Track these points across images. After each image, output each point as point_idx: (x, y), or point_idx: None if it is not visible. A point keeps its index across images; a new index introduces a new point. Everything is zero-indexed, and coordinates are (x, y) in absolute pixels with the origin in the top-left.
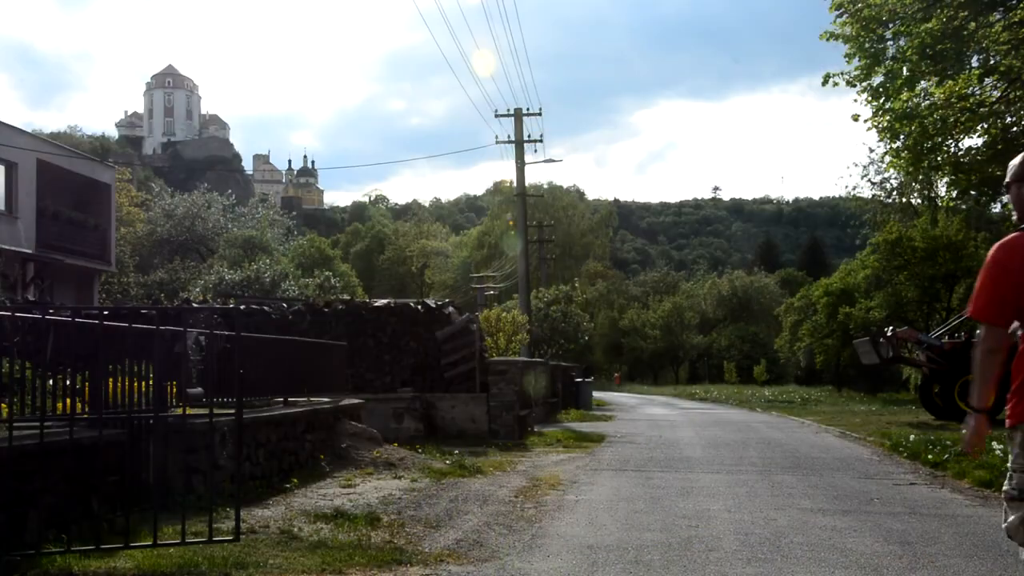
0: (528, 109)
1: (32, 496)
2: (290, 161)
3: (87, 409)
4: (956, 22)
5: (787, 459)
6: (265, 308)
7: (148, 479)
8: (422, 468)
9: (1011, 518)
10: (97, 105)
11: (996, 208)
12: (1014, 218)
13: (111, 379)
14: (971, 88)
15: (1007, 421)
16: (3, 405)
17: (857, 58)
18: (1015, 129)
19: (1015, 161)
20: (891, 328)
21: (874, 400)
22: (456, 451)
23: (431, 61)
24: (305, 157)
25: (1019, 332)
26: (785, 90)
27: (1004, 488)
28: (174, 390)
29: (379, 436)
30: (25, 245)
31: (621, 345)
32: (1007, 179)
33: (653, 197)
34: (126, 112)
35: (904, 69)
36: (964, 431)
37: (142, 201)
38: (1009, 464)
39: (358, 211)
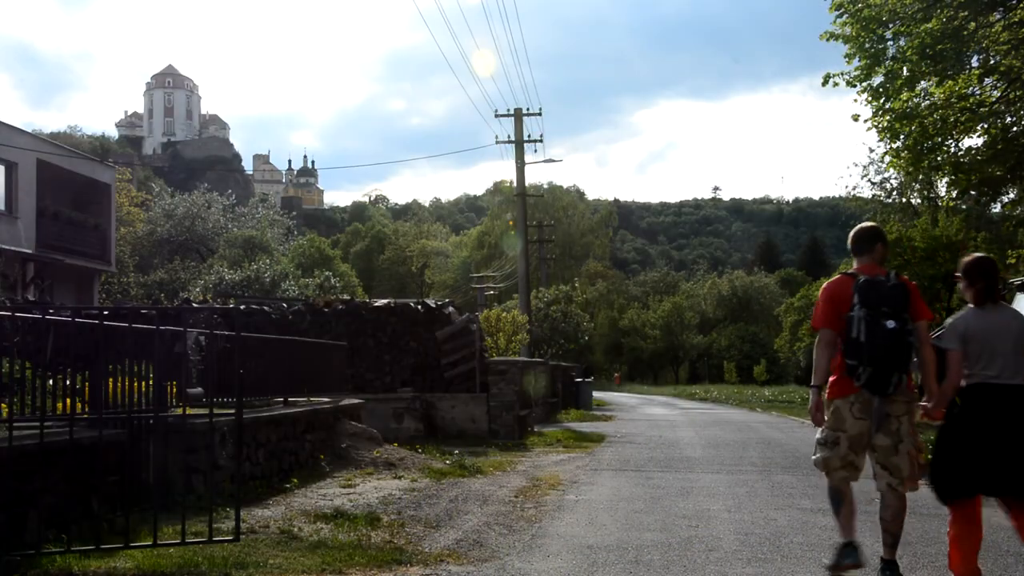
0: (528, 109)
1: (32, 496)
2: (290, 161)
3: (87, 409)
4: (956, 22)
5: (787, 459)
6: (265, 308)
7: (148, 479)
8: (422, 468)
9: (818, 455)
10: (97, 105)
11: (996, 208)
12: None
13: (111, 379)
14: (971, 88)
15: (826, 396)
16: (3, 405)
17: (857, 58)
18: (1015, 129)
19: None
20: None
21: None
22: (456, 451)
23: (431, 61)
24: (305, 157)
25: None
26: (786, 90)
27: (817, 436)
28: (174, 390)
29: (379, 436)
30: (25, 245)
31: (621, 345)
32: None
33: (653, 197)
34: (126, 112)
35: (904, 69)
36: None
37: (142, 201)
38: (825, 422)
39: (358, 211)
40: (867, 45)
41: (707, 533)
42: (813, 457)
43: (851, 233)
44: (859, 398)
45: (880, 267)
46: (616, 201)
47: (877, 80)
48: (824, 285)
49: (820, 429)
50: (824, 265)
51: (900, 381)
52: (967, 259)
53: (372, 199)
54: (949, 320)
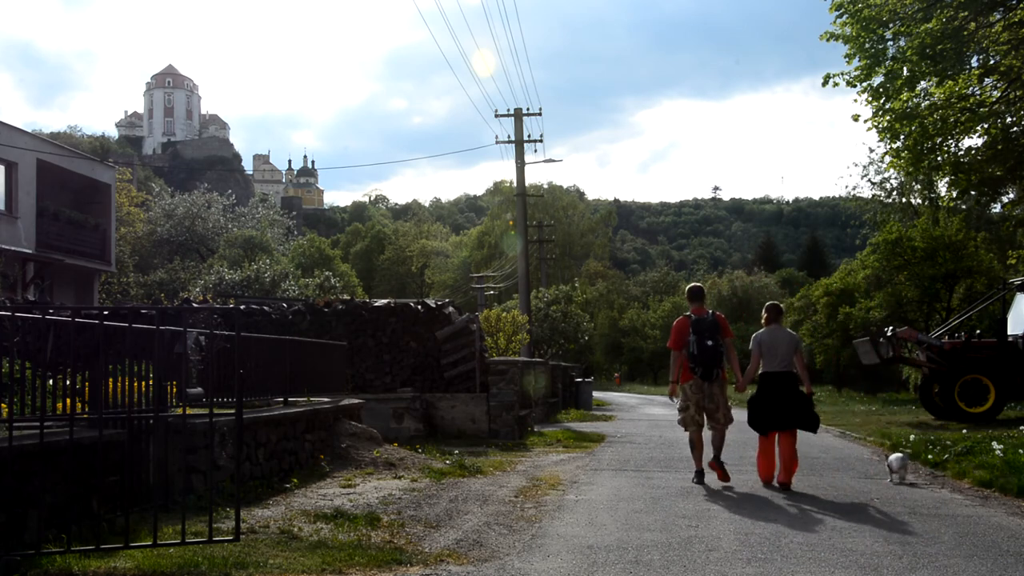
0: (528, 109)
1: (32, 496)
2: (290, 161)
3: (87, 409)
4: (956, 22)
5: None
6: (265, 308)
7: (148, 479)
8: (422, 468)
9: (680, 417)
10: (97, 105)
11: (996, 208)
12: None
13: (111, 379)
14: (971, 88)
15: (680, 382)
16: (3, 405)
17: (857, 58)
18: (1015, 129)
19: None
20: (891, 328)
21: (874, 400)
22: (456, 451)
23: (432, 61)
24: (305, 157)
25: (685, 352)
26: (788, 89)
27: (678, 407)
28: (174, 390)
29: (379, 436)
30: (25, 245)
31: (621, 345)
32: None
33: (653, 197)
34: (126, 112)
35: (904, 69)
36: (668, 390)
37: (142, 201)
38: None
39: (358, 211)
40: (867, 45)
41: (707, 533)
42: (676, 419)
43: (687, 289)
44: (696, 383)
45: (704, 309)
46: (616, 201)
47: (877, 80)
48: (675, 322)
49: (679, 403)
50: (824, 265)
51: (717, 374)
52: (767, 304)
53: (372, 199)
54: (754, 335)
